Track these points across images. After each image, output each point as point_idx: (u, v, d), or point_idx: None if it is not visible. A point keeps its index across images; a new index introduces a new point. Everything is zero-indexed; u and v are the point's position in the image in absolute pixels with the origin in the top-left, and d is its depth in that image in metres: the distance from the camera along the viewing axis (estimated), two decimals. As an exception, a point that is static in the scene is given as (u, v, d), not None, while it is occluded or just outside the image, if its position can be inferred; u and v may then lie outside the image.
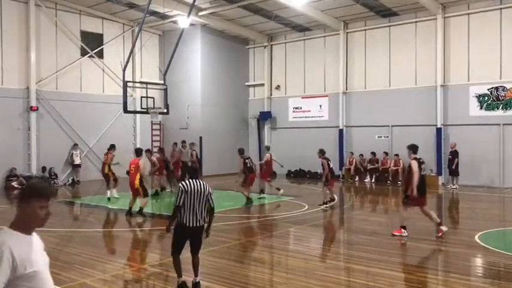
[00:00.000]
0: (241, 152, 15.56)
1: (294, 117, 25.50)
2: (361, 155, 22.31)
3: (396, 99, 21.58)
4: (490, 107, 19.47)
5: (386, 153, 21.56)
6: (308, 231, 10.84)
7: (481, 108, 19.65)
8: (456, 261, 8.29)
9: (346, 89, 23.52)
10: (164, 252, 9.16)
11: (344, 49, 23.47)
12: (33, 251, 2.64)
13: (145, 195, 12.61)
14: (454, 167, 19.14)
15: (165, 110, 20.01)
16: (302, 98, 25.17)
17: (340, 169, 22.85)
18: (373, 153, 21.92)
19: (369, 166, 21.95)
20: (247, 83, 27.32)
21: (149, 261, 8.23)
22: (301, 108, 25.22)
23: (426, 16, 20.94)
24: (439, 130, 20.45)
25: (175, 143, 19.51)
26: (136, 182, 12.28)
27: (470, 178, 19.24)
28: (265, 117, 26.18)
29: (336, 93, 23.73)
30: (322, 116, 24.44)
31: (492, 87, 19.37)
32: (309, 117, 24.85)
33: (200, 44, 24.74)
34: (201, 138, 23.91)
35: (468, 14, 20.10)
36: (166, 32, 25.51)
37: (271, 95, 26.47)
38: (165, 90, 20.05)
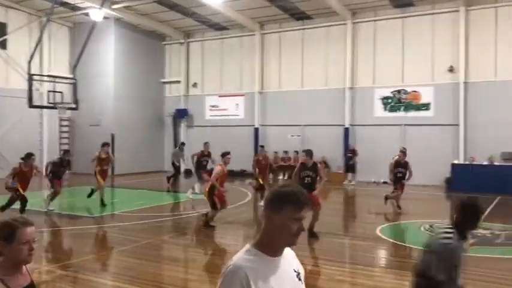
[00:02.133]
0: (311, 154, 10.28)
1: (210, 116, 25.56)
2: (276, 152, 22.92)
3: (308, 100, 22.41)
4: (393, 109, 20.90)
5: (296, 152, 22.32)
6: (224, 228, 10.97)
7: (385, 109, 21.05)
8: (361, 254, 8.82)
9: (262, 89, 24.02)
10: (74, 253, 8.85)
11: (260, 50, 23.94)
12: (280, 278, 2.07)
13: (213, 207, 10.64)
14: (352, 164, 20.36)
15: (74, 106, 19.19)
16: (219, 96, 25.30)
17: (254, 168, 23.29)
18: (286, 152, 22.62)
19: (282, 164, 22.60)
20: (162, 80, 26.93)
21: (57, 263, 7.90)
22: (218, 106, 25.34)
23: (337, 21, 21.93)
24: (346, 130, 21.57)
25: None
26: (206, 189, 10.81)
27: (374, 175, 20.40)
28: (181, 114, 25.98)
29: (251, 93, 24.14)
30: (238, 115, 24.75)
31: (395, 90, 20.81)
32: (225, 115, 25.05)
33: (114, 38, 23.97)
34: (113, 135, 23.18)
35: (375, 20, 21.37)
36: (78, 24, 24.41)
37: (187, 92, 26.32)
38: (75, 84, 19.22)
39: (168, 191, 17.33)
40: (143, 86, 25.37)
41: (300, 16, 22.65)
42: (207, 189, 10.68)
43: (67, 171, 14.88)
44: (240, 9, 22.13)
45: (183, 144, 19.37)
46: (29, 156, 11.36)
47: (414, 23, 20.47)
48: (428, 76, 20.18)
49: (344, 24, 21.78)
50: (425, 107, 20.23)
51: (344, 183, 20.22)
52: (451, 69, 19.63)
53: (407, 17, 20.64)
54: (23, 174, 11.24)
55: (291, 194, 2.06)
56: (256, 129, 23.91)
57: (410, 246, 9.15)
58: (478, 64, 19.25)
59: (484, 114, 18.86)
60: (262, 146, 17.51)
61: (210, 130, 24.90)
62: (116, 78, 24.09)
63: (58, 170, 13.19)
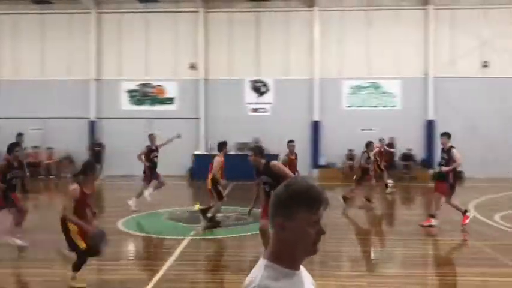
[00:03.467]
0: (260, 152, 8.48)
1: None
2: (13, 148, 20.67)
3: (50, 91, 20.89)
4: (139, 102, 21.23)
5: (37, 147, 20.62)
6: None
7: (132, 103, 21.24)
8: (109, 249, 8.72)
9: (-7, 77, 21.30)
10: None
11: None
12: None
13: (220, 198, 10.24)
14: (99, 158, 20.06)
15: None
16: None
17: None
18: (24, 148, 20.60)
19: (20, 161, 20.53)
20: None
21: None
22: None
23: (81, 9, 21.01)
24: (92, 123, 20.97)
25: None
26: (208, 181, 10.27)
27: (122, 168, 20.24)
28: None
29: (-21, 81, 21.16)
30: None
31: (141, 84, 21.18)
32: None
33: None
34: None
35: (120, 12, 21.22)
36: None
37: None
38: None
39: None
40: None
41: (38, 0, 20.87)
42: (209, 181, 10.23)
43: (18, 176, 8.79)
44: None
45: (20, 135, 16.07)
46: (92, 167, 6.56)
47: (158, 19, 21.12)
48: (172, 71, 21.18)
49: (88, 13, 21.00)
50: (170, 101, 21.23)
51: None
52: (193, 66, 21.02)
53: (151, 12, 21.16)
54: (83, 200, 6.33)
55: (301, 193, 1.71)
56: (-12, 123, 21.07)
57: (154, 236, 9.53)
58: (216, 63, 21.11)
59: (221, 108, 20.82)
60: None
61: None
62: None
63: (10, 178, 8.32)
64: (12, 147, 8.46)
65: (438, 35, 20.41)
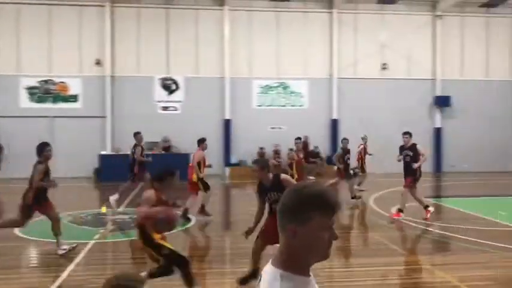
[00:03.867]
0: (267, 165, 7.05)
1: None
2: None
3: None
4: (40, 100, 20.03)
5: None
6: None
7: (32, 100, 19.97)
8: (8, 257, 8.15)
9: None
10: None
11: None
12: None
13: (207, 189, 10.70)
14: None
15: None
16: None
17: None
18: None
19: None
20: None
21: None
22: None
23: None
24: (-14, 122, 19.47)
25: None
26: (194, 176, 10.61)
27: (22, 171, 18.90)
28: None
29: None
30: None
31: (42, 81, 19.99)
32: None
33: None
34: None
35: (20, 3, 19.90)
36: None
37: None
38: None
39: None
40: None
41: None
42: (194, 176, 10.60)
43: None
44: None
45: None
46: (172, 174, 5.87)
47: (62, 12, 20.16)
48: (77, 68, 20.24)
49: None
50: (74, 98, 20.26)
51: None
52: (98, 63, 20.21)
53: (54, 4, 20.06)
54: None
55: (315, 197, 1.63)
56: None
57: (55, 241, 9.04)
58: (124, 59, 20.48)
59: (129, 106, 20.24)
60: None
61: None
62: None
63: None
64: (43, 148, 7.72)
65: (342, 38, 21.46)
